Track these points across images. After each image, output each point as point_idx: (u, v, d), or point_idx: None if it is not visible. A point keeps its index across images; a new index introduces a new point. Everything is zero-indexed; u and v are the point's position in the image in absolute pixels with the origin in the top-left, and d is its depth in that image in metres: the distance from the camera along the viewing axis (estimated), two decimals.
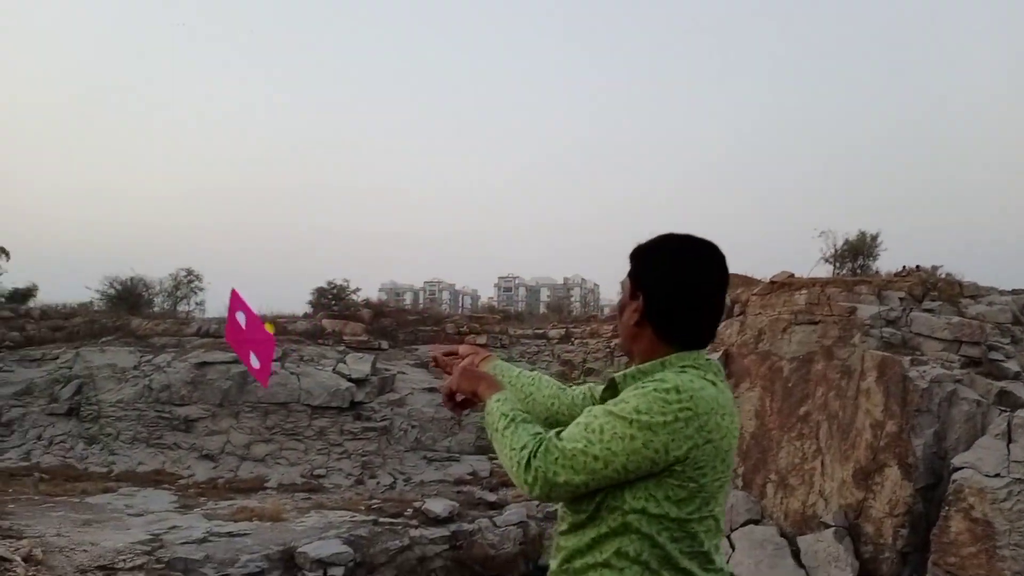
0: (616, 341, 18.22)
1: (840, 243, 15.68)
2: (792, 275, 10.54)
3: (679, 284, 1.58)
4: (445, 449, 20.50)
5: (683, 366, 1.55)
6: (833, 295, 9.20)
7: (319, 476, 19.13)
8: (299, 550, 12.80)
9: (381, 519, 14.75)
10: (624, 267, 1.72)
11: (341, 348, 23.09)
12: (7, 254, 31.66)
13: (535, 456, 1.43)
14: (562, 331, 22.48)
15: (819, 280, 10.10)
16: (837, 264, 15.67)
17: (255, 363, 1.79)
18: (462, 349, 2.12)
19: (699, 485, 1.45)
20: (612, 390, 1.59)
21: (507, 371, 2.04)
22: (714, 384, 1.53)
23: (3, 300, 29.12)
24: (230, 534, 13.34)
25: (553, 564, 1.57)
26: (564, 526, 1.56)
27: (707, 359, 1.61)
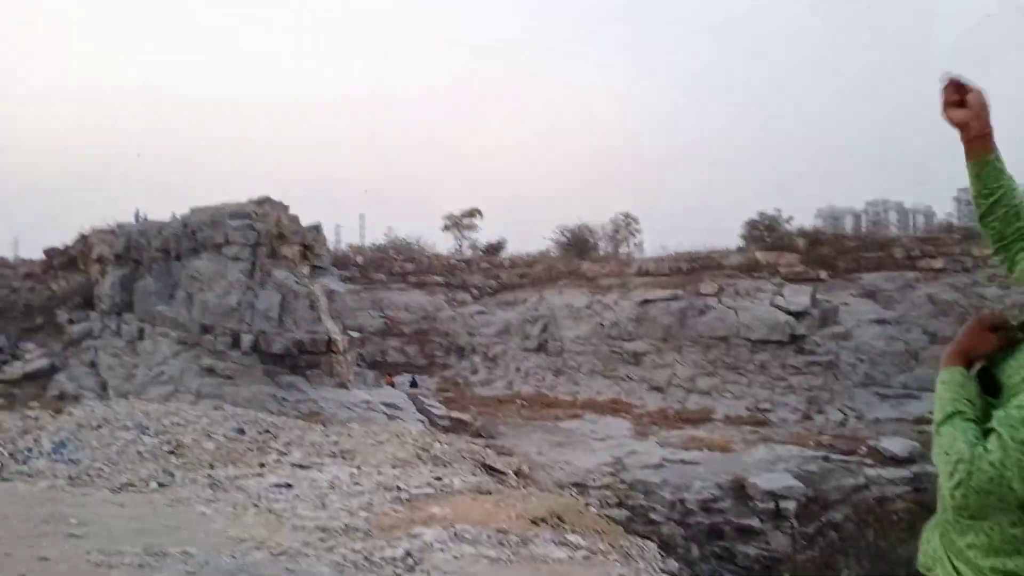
0: None
1: None
2: None
3: None
4: (901, 385, 18.96)
5: None
6: None
7: (765, 410, 19.22)
8: (750, 480, 13.14)
9: (832, 456, 14.34)
10: None
11: (777, 280, 22.61)
12: (480, 214, 37.33)
13: (969, 476, 1.32)
14: None
15: None
16: None
17: None
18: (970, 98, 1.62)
19: None
20: None
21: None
22: None
23: (482, 253, 34.48)
24: (683, 461, 14.26)
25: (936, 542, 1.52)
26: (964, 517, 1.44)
27: None
